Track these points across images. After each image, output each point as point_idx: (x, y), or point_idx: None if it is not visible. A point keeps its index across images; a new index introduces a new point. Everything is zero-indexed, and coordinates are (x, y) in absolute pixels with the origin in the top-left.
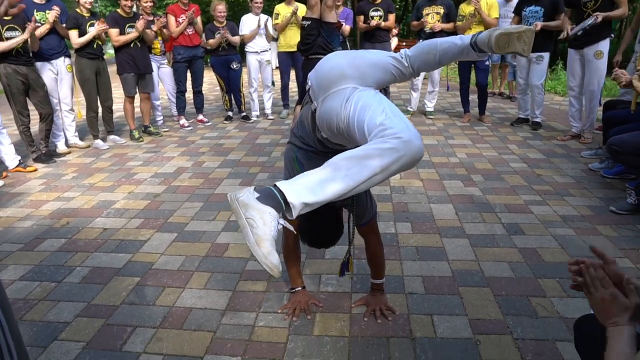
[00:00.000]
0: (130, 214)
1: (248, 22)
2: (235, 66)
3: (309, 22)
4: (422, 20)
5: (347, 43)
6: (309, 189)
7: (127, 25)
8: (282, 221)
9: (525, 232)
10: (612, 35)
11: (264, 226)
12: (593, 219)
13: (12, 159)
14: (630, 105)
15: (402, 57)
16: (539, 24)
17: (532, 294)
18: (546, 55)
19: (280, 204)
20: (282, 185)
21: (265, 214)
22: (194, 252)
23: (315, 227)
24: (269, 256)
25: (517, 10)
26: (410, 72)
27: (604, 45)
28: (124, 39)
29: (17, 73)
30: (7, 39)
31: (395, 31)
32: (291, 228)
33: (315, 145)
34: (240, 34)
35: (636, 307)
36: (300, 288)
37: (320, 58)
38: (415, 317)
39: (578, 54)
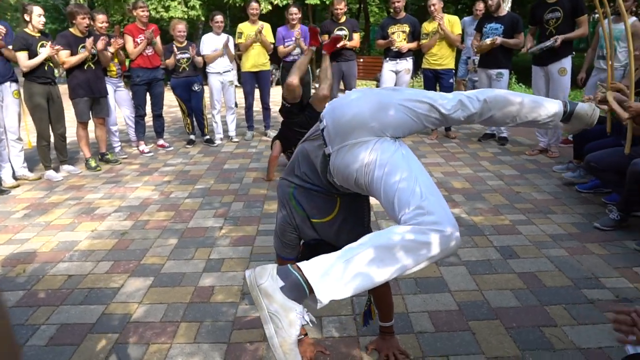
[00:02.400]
0: (97, 256)
1: (209, 42)
2: (197, 88)
3: (289, 107)
4: (390, 39)
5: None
6: (340, 283)
7: (81, 46)
8: (307, 318)
9: (520, 255)
10: (573, 52)
11: (289, 328)
12: (580, 236)
13: None
14: (602, 122)
15: (469, 100)
16: (499, 39)
17: (543, 323)
18: (506, 72)
19: (306, 294)
20: (312, 277)
21: (292, 313)
22: (176, 298)
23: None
24: None
25: (479, 27)
26: (466, 117)
27: (567, 62)
28: (74, 59)
29: None
30: None
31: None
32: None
33: (322, 186)
34: (202, 54)
35: None
36: (303, 335)
37: (301, 133)
38: None
39: (542, 71)
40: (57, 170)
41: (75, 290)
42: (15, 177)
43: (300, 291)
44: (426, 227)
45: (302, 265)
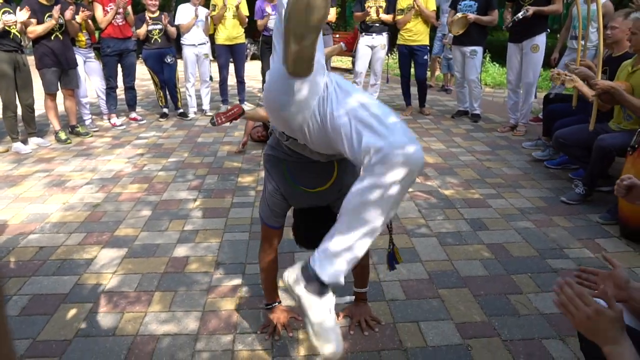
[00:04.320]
0: (69, 228)
1: (184, 12)
2: (169, 60)
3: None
4: (366, 11)
5: None
6: (347, 260)
7: (47, 15)
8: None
9: (489, 227)
10: (548, 30)
11: (319, 316)
12: (547, 210)
13: None
14: (568, 99)
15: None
16: (472, 16)
17: (509, 291)
18: (480, 50)
19: (325, 286)
20: (326, 276)
21: (317, 304)
22: (150, 268)
23: (311, 225)
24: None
25: (453, 4)
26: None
27: (540, 40)
28: (40, 29)
29: None
30: None
31: None
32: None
33: (312, 156)
34: (175, 23)
35: (621, 315)
36: (277, 303)
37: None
38: (401, 326)
39: (517, 48)
40: (25, 142)
41: (48, 261)
42: None
43: (324, 287)
44: (394, 159)
45: (316, 266)
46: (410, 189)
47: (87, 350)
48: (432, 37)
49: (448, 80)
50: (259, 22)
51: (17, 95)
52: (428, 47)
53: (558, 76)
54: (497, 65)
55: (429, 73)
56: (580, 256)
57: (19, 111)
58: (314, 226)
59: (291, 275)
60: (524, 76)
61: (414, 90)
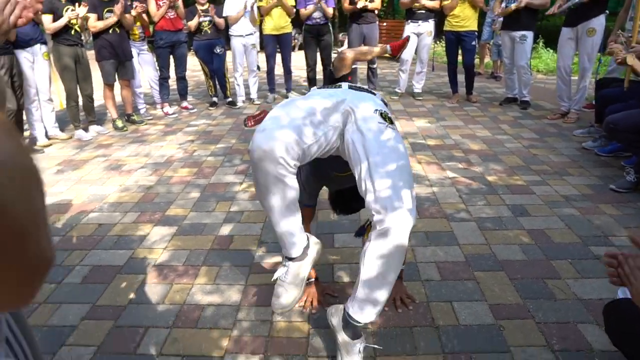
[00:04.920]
0: (125, 207)
1: (232, 4)
2: (219, 50)
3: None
4: None
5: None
6: (378, 310)
7: (106, 10)
8: (361, 347)
9: (531, 214)
10: (607, 11)
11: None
12: (594, 197)
13: None
14: (623, 83)
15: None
16: (523, 1)
17: (547, 276)
18: (530, 35)
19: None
20: (363, 319)
21: (351, 346)
22: (198, 245)
23: (347, 196)
24: None
25: None
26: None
27: (597, 23)
28: (101, 24)
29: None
30: None
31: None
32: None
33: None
34: (223, 15)
35: None
36: (313, 279)
37: None
38: (435, 305)
39: (572, 32)
40: (86, 130)
41: (106, 237)
42: (47, 137)
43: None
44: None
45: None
46: (452, 175)
47: (139, 315)
48: (480, 23)
49: (498, 67)
50: (302, 12)
51: (78, 87)
52: (476, 33)
53: (617, 50)
54: (551, 51)
55: (477, 60)
56: (626, 244)
57: (80, 101)
58: (346, 200)
59: (334, 317)
60: (580, 61)
61: (461, 77)
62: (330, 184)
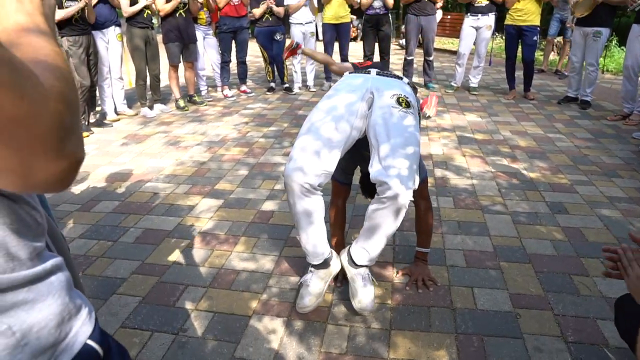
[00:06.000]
0: (179, 179)
1: None
2: (279, 37)
3: None
4: None
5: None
6: (371, 257)
7: None
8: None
9: (569, 212)
10: None
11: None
12: None
13: None
14: None
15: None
16: None
17: (575, 272)
18: (605, 32)
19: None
20: (359, 261)
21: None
22: (240, 218)
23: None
24: None
25: None
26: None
27: None
28: (169, 7)
29: (76, 44)
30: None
31: (440, 4)
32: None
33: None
34: (284, 4)
35: None
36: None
37: None
38: (456, 289)
39: None
40: (151, 108)
41: (159, 204)
42: (116, 112)
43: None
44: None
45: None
46: (494, 169)
47: (181, 274)
48: (548, 19)
49: (564, 65)
50: (363, 2)
51: (147, 67)
52: (538, 28)
53: None
54: (625, 50)
55: (542, 57)
56: None
57: (148, 80)
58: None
59: (343, 257)
60: None
61: (519, 73)
62: (362, 162)
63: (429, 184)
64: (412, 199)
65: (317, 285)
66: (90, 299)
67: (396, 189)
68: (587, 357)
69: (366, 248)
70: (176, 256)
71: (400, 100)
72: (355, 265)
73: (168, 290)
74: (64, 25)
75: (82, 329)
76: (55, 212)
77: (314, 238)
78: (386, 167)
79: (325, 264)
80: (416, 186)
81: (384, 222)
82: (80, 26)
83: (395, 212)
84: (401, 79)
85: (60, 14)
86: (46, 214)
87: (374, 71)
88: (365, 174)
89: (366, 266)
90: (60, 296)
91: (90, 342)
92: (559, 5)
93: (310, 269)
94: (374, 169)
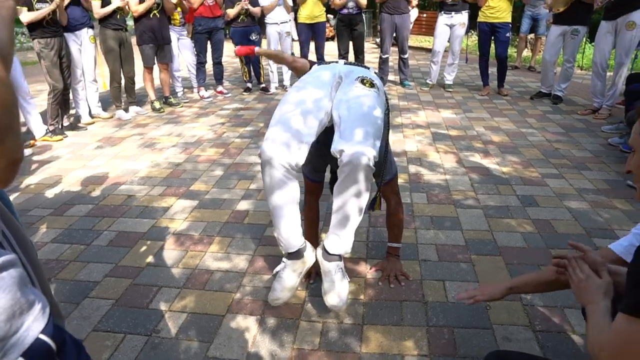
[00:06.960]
0: (154, 181)
1: None
2: (254, 37)
3: None
4: None
5: None
6: (344, 242)
7: None
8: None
9: (539, 204)
10: None
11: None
12: (609, 192)
13: (39, 128)
14: None
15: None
16: None
17: (544, 263)
18: (582, 29)
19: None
20: (333, 250)
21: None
22: (215, 218)
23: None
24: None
25: None
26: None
27: (638, 16)
28: (142, 8)
29: (48, 46)
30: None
31: (415, 2)
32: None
33: None
34: (259, 4)
35: (608, 284)
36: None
37: None
38: (427, 283)
39: (611, 26)
40: (126, 110)
41: (133, 207)
42: (91, 115)
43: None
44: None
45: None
46: (467, 164)
47: (154, 276)
48: (520, 16)
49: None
50: (336, 2)
51: (121, 69)
52: (510, 25)
53: None
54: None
55: (515, 54)
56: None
57: (122, 82)
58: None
59: (318, 252)
60: (616, 55)
61: (493, 70)
62: (331, 160)
63: (402, 180)
64: (372, 166)
65: (290, 278)
66: (62, 303)
67: (352, 149)
68: (554, 345)
69: (338, 234)
70: (150, 258)
71: (365, 81)
72: (330, 257)
73: (141, 292)
74: (36, 27)
75: (34, 325)
76: (28, 216)
77: (289, 226)
78: (344, 136)
79: (298, 254)
80: (376, 151)
81: (350, 194)
82: (52, 28)
83: (358, 179)
84: (368, 68)
85: (31, 16)
86: (11, 216)
87: (341, 61)
88: (334, 172)
89: (340, 256)
90: (11, 291)
91: (43, 337)
92: (530, 2)
93: (283, 259)
94: (333, 143)
